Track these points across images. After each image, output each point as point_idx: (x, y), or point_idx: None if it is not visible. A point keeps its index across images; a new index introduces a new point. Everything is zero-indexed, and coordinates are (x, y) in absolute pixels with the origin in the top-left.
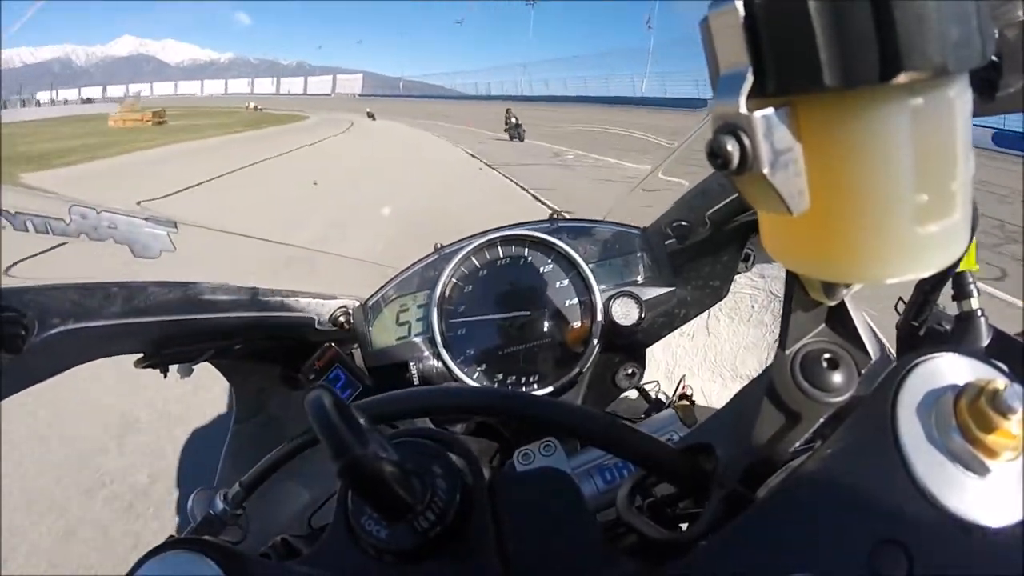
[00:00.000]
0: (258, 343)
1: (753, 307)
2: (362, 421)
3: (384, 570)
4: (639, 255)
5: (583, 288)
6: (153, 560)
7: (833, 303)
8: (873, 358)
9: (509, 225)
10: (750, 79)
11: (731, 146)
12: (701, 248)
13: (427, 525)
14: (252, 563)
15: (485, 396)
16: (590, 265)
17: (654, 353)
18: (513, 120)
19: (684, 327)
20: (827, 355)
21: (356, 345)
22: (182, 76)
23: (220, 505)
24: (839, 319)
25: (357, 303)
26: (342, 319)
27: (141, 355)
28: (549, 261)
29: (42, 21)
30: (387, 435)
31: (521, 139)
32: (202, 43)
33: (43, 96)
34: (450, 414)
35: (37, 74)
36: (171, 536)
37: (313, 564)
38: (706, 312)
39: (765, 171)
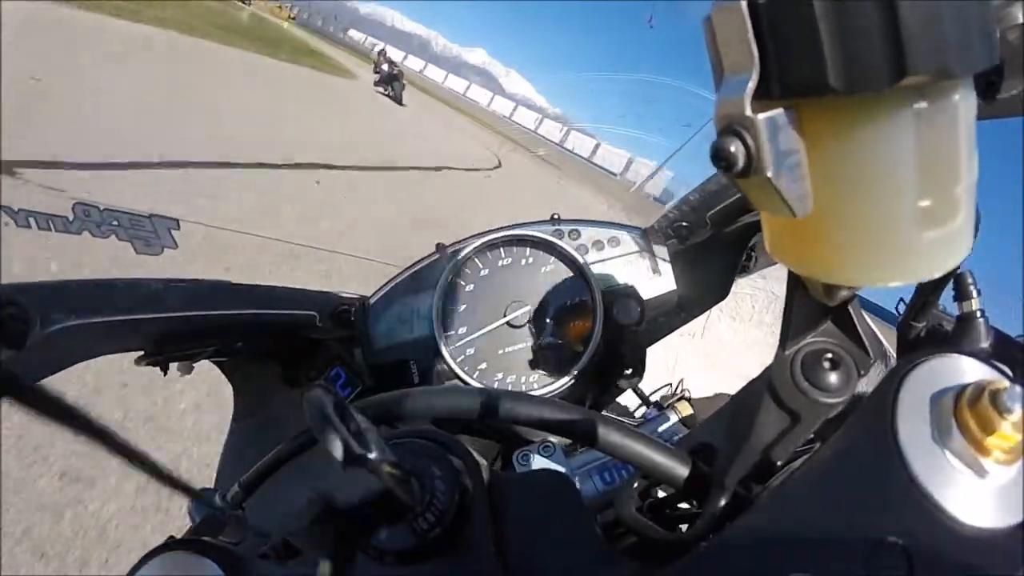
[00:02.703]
0: (259, 341)
1: (754, 307)
2: (362, 421)
3: (383, 571)
4: (640, 256)
5: (584, 288)
6: (153, 561)
7: (835, 304)
8: (873, 359)
9: (511, 225)
10: (755, 81)
11: (735, 148)
12: (702, 249)
13: (426, 527)
14: (252, 563)
15: (485, 396)
16: (591, 265)
17: (655, 353)
18: (385, 67)
19: (685, 327)
20: (828, 355)
21: (357, 344)
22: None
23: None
24: (840, 319)
25: (359, 302)
26: (344, 318)
27: (142, 352)
28: (550, 261)
29: None
30: (386, 436)
31: (399, 101)
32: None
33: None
34: (450, 415)
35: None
36: (171, 537)
37: (313, 565)
38: (707, 312)
39: (769, 174)
